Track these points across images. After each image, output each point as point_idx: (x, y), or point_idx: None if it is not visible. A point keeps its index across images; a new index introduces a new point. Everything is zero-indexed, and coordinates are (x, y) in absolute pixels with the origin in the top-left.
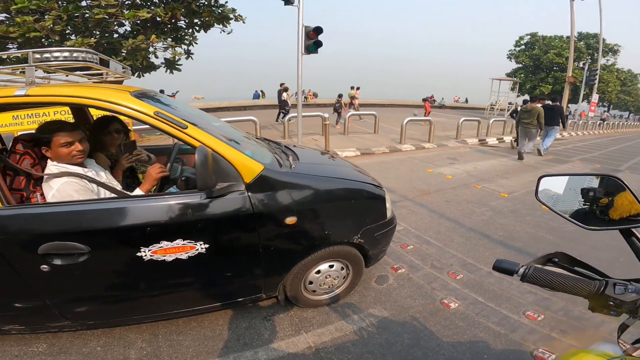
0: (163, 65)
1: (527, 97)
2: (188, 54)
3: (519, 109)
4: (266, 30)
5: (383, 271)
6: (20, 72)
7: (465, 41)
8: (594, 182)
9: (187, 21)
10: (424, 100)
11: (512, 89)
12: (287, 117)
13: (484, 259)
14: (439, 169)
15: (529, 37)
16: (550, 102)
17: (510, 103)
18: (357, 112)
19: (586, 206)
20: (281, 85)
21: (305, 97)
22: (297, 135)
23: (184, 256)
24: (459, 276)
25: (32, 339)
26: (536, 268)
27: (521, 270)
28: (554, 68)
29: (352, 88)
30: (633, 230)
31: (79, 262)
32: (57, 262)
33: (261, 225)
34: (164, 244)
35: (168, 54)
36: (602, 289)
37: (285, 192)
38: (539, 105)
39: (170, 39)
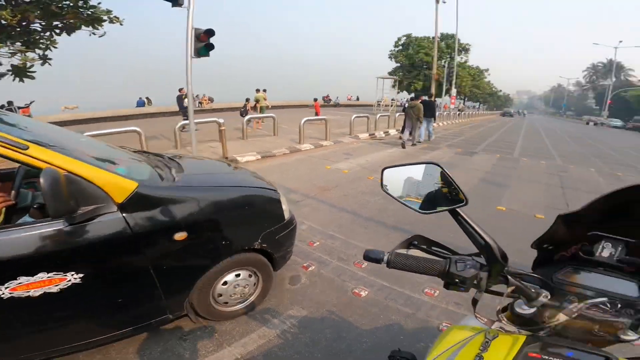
0: (10, 73)
1: (405, 93)
2: (44, 59)
3: (406, 105)
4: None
5: (294, 271)
6: None
7: (354, 43)
8: (424, 170)
9: (43, 24)
10: (315, 100)
11: (393, 86)
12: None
13: (382, 245)
14: (336, 165)
15: (405, 38)
16: (427, 98)
17: (393, 99)
18: (257, 115)
19: (424, 192)
20: (180, 90)
21: (200, 103)
22: (192, 144)
23: (54, 289)
24: (363, 265)
25: None
26: (397, 254)
27: (385, 258)
28: (424, 66)
29: (257, 91)
30: (458, 210)
31: None
32: None
33: (146, 246)
34: (24, 279)
35: (16, 60)
36: (447, 267)
37: (169, 207)
38: (419, 101)
39: (19, 43)
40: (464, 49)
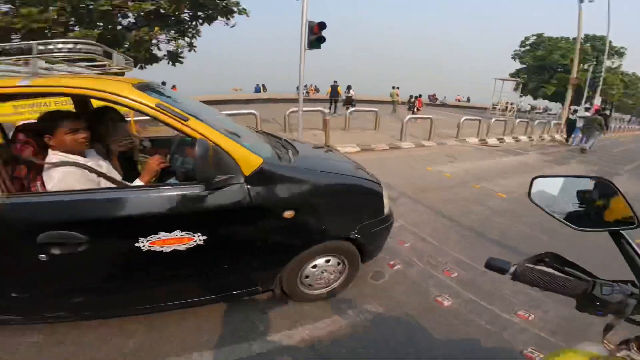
0: (166, 58)
1: (530, 98)
2: (191, 46)
3: (573, 115)
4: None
5: (379, 267)
6: (23, 63)
7: (469, 41)
8: (589, 185)
9: (191, 14)
10: (419, 96)
11: (515, 89)
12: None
13: (479, 258)
14: (438, 167)
15: (534, 37)
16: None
17: (512, 103)
18: (358, 109)
19: (581, 208)
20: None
21: (307, 92)
22: (298, 130)
23: (181, 248)
24: (453, 274)
25: (29, 329)
26: (527, 267)
27: (512, 269)
28: (558, 69)
29: (393, 88)
30: (622, 233)
31: (77, 252)
32: (56, 251)
33: (259, 218)
34: (162, 235)
35: (171, 47)
36: (589, 289)
37: (284, 185)
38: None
39: (173, 32)
40: (617, 53)
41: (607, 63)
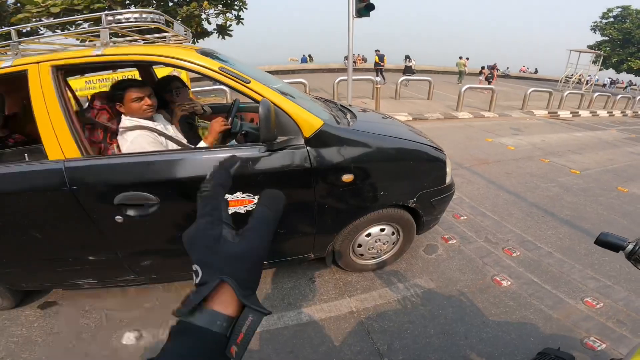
0: (215, 32)
1: (612, 71)
2: (238, 19)
3: None
4: None
5: (433, 240)
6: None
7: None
8: None
9: None
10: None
11: (595, 62)
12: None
13: (546, 238)
14: (499, 139)
15: (619, 9)
16: None
17: (589, 75)
18: (411, 78)
19: None
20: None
21: (354, 62)
22: (347, 98)
23: (241, 210)
24: (515, 253)
25: (102, 293)
26: None
27: (630, 247)
28: None
29: (460, 58)
30: None
31: (148, 213)
32: (130, 213)
33: (317, 182)
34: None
35: (220, 20)
36: None
37: (343, 148)
38: None
39: (221, 5)
40: None
41: None
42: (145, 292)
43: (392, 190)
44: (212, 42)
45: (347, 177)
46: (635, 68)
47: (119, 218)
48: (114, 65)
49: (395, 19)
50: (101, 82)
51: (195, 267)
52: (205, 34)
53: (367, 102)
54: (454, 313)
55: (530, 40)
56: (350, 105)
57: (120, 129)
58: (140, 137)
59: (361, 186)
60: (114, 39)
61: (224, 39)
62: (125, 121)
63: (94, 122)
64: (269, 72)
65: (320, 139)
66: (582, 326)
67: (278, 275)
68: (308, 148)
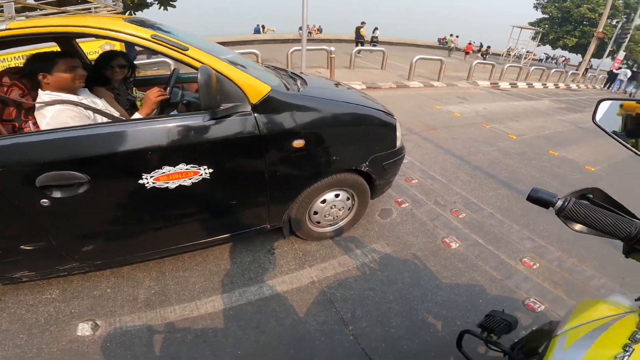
0: (156, 2)
1: (548, 47)
2: None
3: (618, 69)
4: None
5: (387, 204)
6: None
7: None
8: None
9: None
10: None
11: (533, 38)
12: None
13: (487, 200)
14: (447, 107)
15: None
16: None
17: (528, 51)
18: (365, 48)
19: None
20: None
21: (309, 32)
22: (302, 68)
23: (187, 182)
24: (461, 215)
25: (45, 285)
26: (576, 202)
27: (559, 203)
28: (584, 22)
29: (451, 35)
30: None
31: (79, 193)
32: (57, 194)
33: (267, 149)
34: (167, 169)
35: None
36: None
37: (293, 114)
38: None
39: None
40: None
41: (637, 21)
42: (92, 279)
43: (344, 155)
44: (167, 17)
45: (298, 143)
46: (570, 45)
47: (45, 201)
48: (25, 40)
49: None
50: (16, 60)
51: None
52: (144, 4)
53: (321, 72)
54: (411, 277)
55: (483, 17)
56: (301, 72)
57: (38, 105)
58: (62, 112)
59: (313, 151)
60: (29, 13)
61: (167, 9)
62: (43, 96)
63: (4, 99)
64: (220, 43)
65: (268, 105)
66: (522, 287)
67: (236, 249)
68: (256, 115)
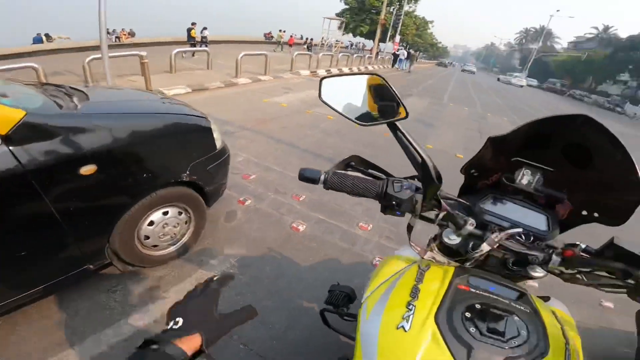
0: None
1: (351, 36)
2: None
3: (399, 51)
4: None
5: (230, 207)
6: None
7: None
8: (365, 82)
9: None
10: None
11: (339, 28)
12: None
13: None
14: (274, 99)
15: None
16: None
17: (337, 40)
18: (186, 49)
19: (363, 105)
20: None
21: (118, 38)
22: (107, 79)
23: None
24: (301, 197)
25: None
26: (335, 173)
27: (322, 177)
28: (373, 11)
29: (280, 30)
30: (397, 124)
31: None
32: None
33: (44, 185)
34: None
35: None
36: (384, 188)
37: (69, 137)
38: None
39: None
40: None
41: (405, 7)
42: None
43: (157, 170)
44: None
45: (88, 169)
46: (364, 32)
47: None
48: None
49: None
50: None
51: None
52: None
53: (136, 80)
54: (272, 270)
55: (300, 10)
56: (87, 86)
57: None
58: None
59: (113, 174)
60: None
61: None
62: None
63: None
64: None
65: (27, 132)
66: (366, 249)
67: (67, 298)
68: (11, 147)
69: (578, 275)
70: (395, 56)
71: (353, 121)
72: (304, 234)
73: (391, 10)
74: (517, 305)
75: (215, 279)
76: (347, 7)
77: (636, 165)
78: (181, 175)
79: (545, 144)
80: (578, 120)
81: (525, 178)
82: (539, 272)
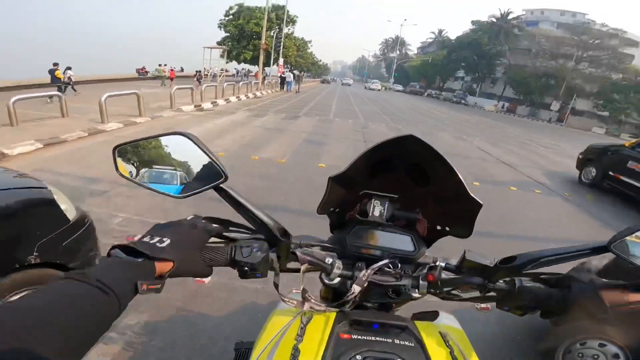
0: None
1: (235, 63)
2: None
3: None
4: None
5: None
6: None
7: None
8: (172, 141)
9: None
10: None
11: (222, 56)
12: None
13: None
14: None
15: (237, 7)
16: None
17: (222, 69)
18: (32, 95)
19: (172, 170)
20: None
21: None
22: None
23: None
24: None
25: None
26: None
27: None
28: (254, 37)
29: (159, 65)
30: (221, 187)
31: None
32: None
33: None
34: None
35: None
36: (232, 254)
37: None
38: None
39: None
40: (292, 21)
41: (285, 30)
42: None
43: None
44: None
45: None
46: (248, 58)
47: None
48: None
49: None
50: None
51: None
52: None
53: None
54: (186, 329)
55: (176, 41)
56: None
57: None
58: None
59: None
60: None
61: None
62: None
63: None
64: None
65: None
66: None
67: None
68: None
69: (454, 291)
70: (282, 79)
71: (168, 195)
72: (210, 286)
73: (272, 34)
74: (400, 342)
75: (203, 220)
76: (227, 34)
77: (462, 180)
78: (27, 259)
79: (389, 169)
80: (407, 141)
81: (376, 209)
82: (417, 294)
